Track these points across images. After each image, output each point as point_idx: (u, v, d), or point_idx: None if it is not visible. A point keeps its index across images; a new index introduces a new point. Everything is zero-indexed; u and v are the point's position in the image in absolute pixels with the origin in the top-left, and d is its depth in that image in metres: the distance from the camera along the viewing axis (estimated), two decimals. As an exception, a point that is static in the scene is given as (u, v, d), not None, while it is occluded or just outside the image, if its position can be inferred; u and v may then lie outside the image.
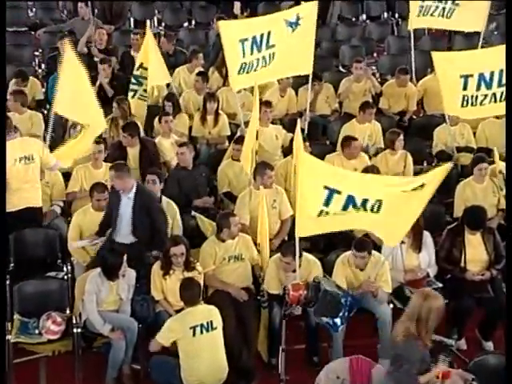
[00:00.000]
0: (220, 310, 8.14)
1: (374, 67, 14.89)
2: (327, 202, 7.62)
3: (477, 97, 10.85)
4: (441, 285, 8.78)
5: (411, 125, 12.56)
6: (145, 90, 12.08)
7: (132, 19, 16.66)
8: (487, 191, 9.98)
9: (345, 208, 7.64)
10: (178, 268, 8.40)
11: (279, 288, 8.41)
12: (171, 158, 10.72)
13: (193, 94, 12.34)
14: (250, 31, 10.96)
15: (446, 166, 7.54)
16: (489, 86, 10.78)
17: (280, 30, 11.04)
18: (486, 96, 10.85)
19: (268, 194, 9.48)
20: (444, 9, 13.35)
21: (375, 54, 15.63)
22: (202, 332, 7.66)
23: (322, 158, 10.07)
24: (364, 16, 17.49)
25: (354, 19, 17.33)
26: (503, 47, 10.35)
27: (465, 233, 8.92)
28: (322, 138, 12.27)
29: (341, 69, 14.72)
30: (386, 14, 17.58)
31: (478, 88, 10.81)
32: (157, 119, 11.36)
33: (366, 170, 9.59)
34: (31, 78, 12.75)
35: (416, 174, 10.78)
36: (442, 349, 6.97)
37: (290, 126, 11.61)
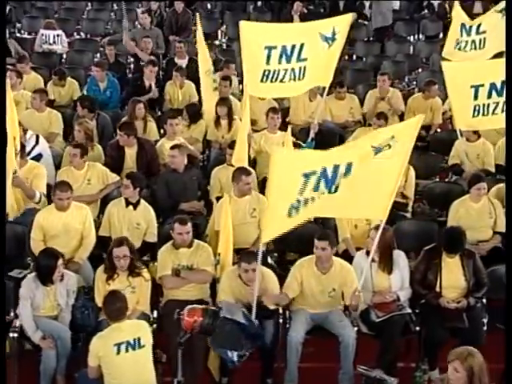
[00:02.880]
0: (171, 320, 6.46)
1: (414, 82, 12.91)
2: (303, 189, 6.17)
3: (488, 105, 9.01)
4: (410, 310, 6.86)
5: (431, 139, 10.50)
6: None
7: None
8: (483, 211, 7.88)
9: (317, 187, 6.21)
10: (123, 272, 6.73)
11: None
12: (171, 160, 9.04)
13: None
14: (279, 39, 9.22)
15: (418, 118, 6.28)
16: (500, 93, 8.90)
17: (315, 44, 9.25)
18: (497, 104, 8.97)
19: (248, 202, 7.89)
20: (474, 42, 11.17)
21: (420, 70, 13.53)
22: (127, 350, 5.92)
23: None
24: (421, 36, 15.38)
25: (408, 37, 15.27)
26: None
27: (442, 255, 6.92)
28: (338, 148, 10.32)
29: (379, 83, 12.72)
30: (441, 35, 15.39)
31: (489, 96, 8.99)
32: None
33: None
34: (69, 78, 11.41)
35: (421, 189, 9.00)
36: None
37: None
